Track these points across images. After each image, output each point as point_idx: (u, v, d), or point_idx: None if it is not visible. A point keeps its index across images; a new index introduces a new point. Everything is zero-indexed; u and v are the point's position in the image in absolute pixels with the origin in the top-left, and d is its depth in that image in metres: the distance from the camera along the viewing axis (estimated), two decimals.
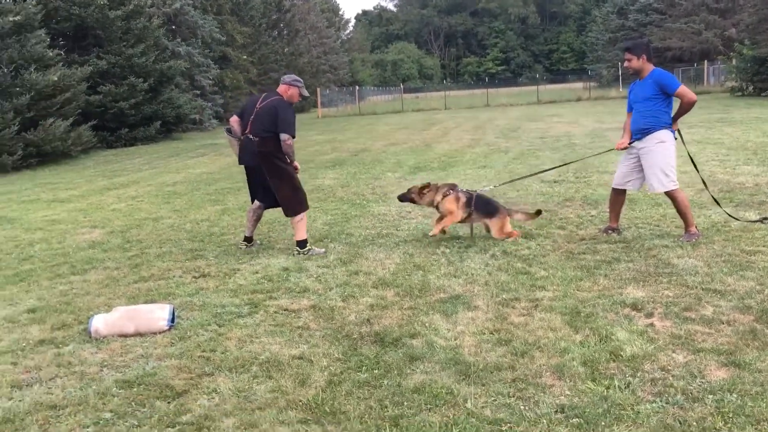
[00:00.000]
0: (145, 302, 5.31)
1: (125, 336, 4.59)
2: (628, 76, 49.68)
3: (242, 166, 6.90)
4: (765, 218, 6.80)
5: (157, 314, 4.74)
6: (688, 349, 3.77)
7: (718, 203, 7.09)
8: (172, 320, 4.76)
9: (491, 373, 3.66)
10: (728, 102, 28.13)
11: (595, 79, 59.85)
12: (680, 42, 46.83)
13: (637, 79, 6.51)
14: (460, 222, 6.92)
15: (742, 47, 32.44)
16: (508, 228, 6.83)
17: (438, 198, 6.88)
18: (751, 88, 31.83)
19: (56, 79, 19.56)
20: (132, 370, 4.02)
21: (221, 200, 10.55)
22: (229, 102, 38.40)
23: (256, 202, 7.00)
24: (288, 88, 6.72)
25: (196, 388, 3.74)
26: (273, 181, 6.64)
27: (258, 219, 7.11)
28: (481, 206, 6.86)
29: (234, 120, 6.84)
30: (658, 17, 51.37)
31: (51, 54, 20.40)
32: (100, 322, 4.67)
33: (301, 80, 6.94)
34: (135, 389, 3.76)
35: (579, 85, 58.85)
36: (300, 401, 3.49)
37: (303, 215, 6.73)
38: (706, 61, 43.36)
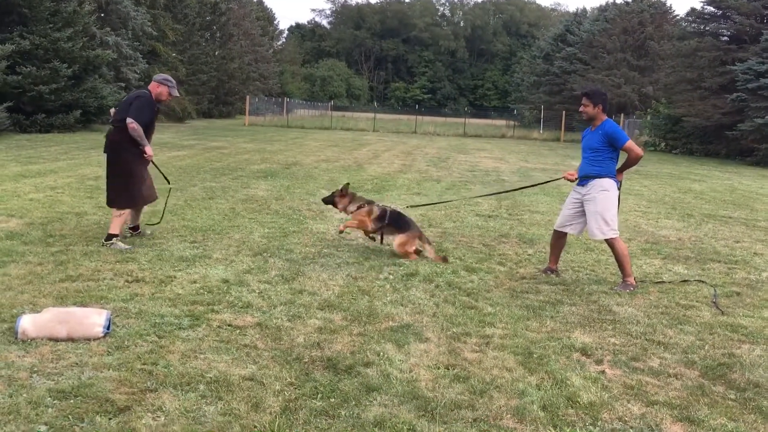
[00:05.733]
0: (76, 305, 4.97)
1: (55, 340, 4.26)
2: (548, 120, 51.87)
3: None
4: (702, 281, 6.84)
5: (93, 319, 4.42)
6: (642, 401, 3.83)
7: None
8: (108, 327, 4.46)
9: (451, 411, 3.59)
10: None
11: (518, 119, 61.70)
12: None
13: (589, 127, 6.67)
14: (370, 233, 7.44)
15: (659, 105, 34.25)
16: (410, 248, 7.13)
17: (352, 208, 7.42)
18: (663, 144, 33.60)
19: None
20: (66, 379, 3.72)
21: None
22: None
23: None
24: (157, 86, 6.99)
25: (140, 404, 3.49)
26: (110, 170, 6.87)
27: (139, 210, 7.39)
28: (393, 221, 7.26)
29: (114, 112, 7.16)
30: (582, 67, 53.76)
31: None
32: (28, 323, 4.31)
33: (174, 81, 7.16)
34: (72, 401, 3.47)
35: (502, 122, 60.50)
36: (255, 427, 3.32)
37: (126, 212, 6.91)
38: (623, 114, 45.45)
